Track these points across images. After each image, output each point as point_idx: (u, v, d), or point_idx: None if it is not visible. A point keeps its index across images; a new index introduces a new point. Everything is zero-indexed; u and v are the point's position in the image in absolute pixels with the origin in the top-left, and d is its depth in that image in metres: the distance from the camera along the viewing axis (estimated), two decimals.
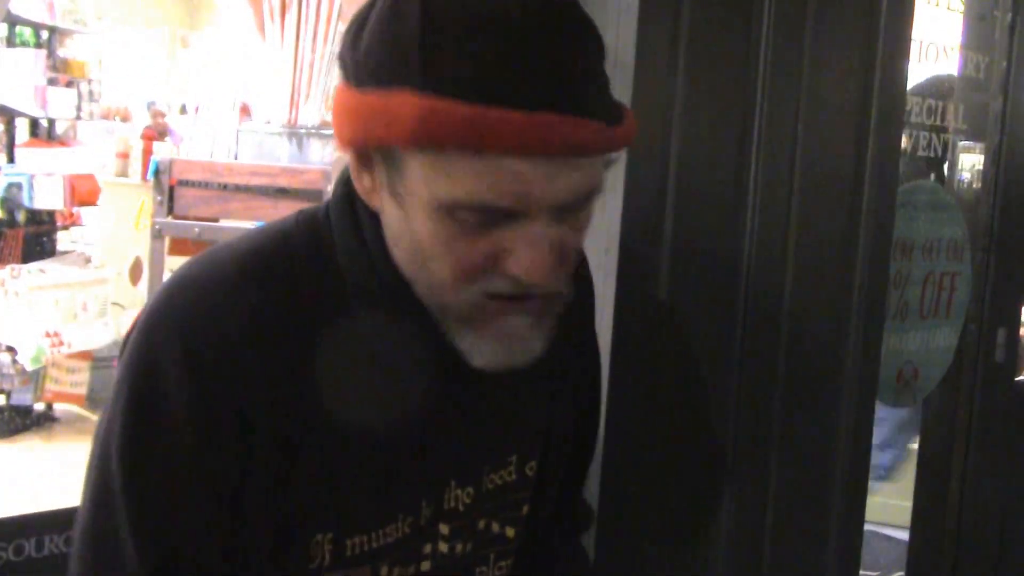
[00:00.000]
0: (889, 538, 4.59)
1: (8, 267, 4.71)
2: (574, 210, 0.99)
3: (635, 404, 1.74)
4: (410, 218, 0.98)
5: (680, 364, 1.84)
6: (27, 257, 4.97)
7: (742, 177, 1.84)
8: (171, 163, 4.20)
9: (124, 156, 7.13)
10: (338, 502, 1.06)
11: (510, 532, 1.21)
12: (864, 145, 2.02)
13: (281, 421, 1.02)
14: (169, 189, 4.05)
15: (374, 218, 1.05)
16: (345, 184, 1.08)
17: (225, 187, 3.97)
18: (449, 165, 0.93)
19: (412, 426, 1.09)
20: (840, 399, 2.07)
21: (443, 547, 1.15)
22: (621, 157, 1.02)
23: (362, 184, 1.03)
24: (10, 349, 4.70)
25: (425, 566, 1.14)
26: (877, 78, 2.02)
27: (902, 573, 3.04)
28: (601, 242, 1.65)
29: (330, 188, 1.18)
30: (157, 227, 4.34)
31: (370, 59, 0.96)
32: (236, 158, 4.70)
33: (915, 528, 2.75)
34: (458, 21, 0.92)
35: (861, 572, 2.27)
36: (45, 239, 5.23)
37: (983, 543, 2.68)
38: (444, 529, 1.14)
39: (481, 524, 1.18)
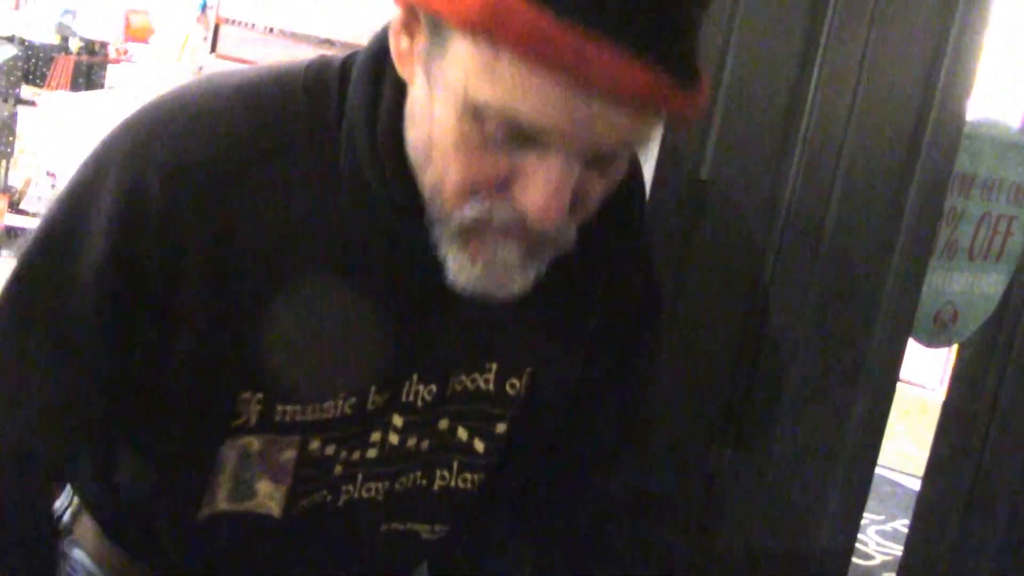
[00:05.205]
0: (896, 484, 4.54)
1: (57, 93, 4.68)
2: (606, 159, 0.91)
3: None
4: (434, 104, 0.90)
5: (712, 274, 1.76)
6: (75, 87, 4.92)
7: (800, 88, 1.74)
8: None
9: None
10: (271, 363, 0.99)
11: (479, 445, 1.13)
12: (936, 74, 1.90)
13: (227, 262, 0.96)
14: (215, 27, 3.93)
15: (398, 86, 0.96)
16: (379, 41, 0.99)
17: (271, 30, 3.83)
18: (496, 65, 0.84)
19: (367, 307, 1.01)
20: (872, 331, 1.98)
21: (394, 439, 1.08)
22: None
23: (398, 46, 0.94)
24: (49, 174, 4.69)
25: (371, 453, 1.08)
26: (960, 9, 1.90)
27: (906, 520, 2.99)
28: None
29: None
30: (199, 66, 4.21)
31: None
32: None
33: (928, 477, 2.69)
34: None
35: (865, 515, 2.21)
36: (95, 71, 5.17)
37: (997, 501, 2.61)
38: (397, 421, 1.08)
39: (443, 424, 1.11)
